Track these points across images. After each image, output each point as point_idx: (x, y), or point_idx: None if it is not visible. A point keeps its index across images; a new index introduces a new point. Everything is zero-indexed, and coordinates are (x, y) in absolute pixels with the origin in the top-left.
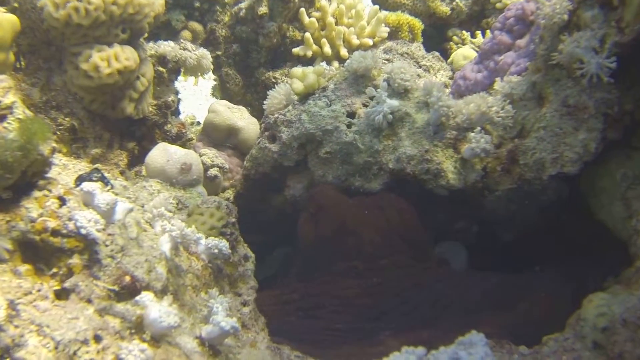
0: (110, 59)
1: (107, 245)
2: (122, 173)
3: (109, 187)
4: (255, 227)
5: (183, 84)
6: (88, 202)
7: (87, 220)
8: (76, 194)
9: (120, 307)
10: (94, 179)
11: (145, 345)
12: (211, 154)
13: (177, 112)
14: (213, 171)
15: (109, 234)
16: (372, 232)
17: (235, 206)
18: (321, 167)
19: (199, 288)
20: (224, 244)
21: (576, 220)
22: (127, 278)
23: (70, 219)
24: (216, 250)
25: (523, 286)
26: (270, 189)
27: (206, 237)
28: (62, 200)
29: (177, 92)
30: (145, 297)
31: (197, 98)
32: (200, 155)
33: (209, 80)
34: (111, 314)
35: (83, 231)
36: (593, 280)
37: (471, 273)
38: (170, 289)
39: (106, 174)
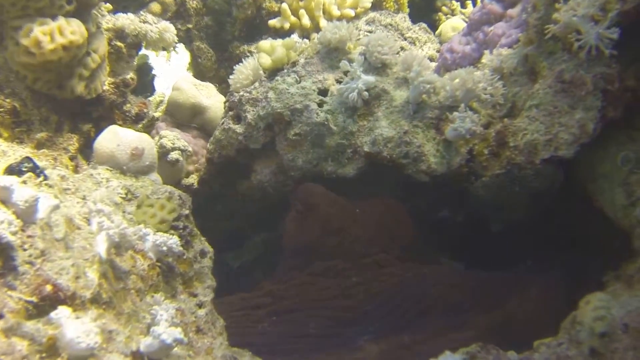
0: (53, 33)
1: (25, 250)
2: (72, 159)
3: (41, 179)
4: (227, 213)
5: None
6: (5, 198)
7: None
8: None
9: (29, 326)
10: (24, 169)
11: None
12: (172, 136)
13: (152, 90)
14: (174, 155)
15: (29, 236)
16: (359, 229)
17: (200, 192)
18: (290, 150)
19: (144, 291)
20: (174, 241)
21: (572, 208)
22: (49, 287)
23: None
24: (165, 248)
25: (512, 283)
26: (235, 174)
27: (155, 232)
28: None
29: (150, 69)
30: (61, 313)
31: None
32: (160, 138)
33: None
34: (19, 334)
35: None
36: (591, 275)
37: (457, 270)
38: (104, 296)
39: (42, 163)
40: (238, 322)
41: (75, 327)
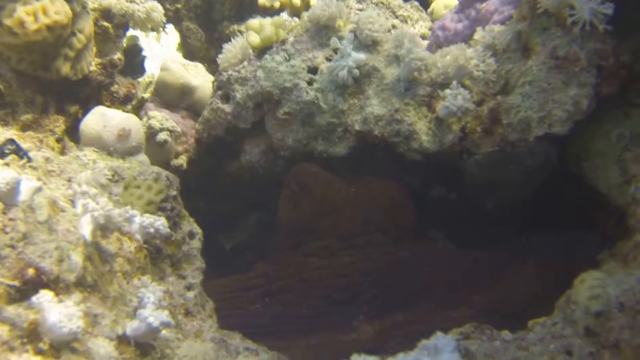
0: (37, 13)
1: (6, 233)
2: (58, 141)
3: (24, 161)
4: (218, 194)
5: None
6: None
7: None
8: None
9: (10, 310)
10: (7, 151)
11: (38, 358)
12: (160, 117)
13: (142, 72)
14: (162, 136)
15: (10, 219)
16: (354, 209)
17: (190, 173)
18: (280, 129)
19: (130, 274)
20: (161, 222)
21: (566, 186)
22: (31, 271)
23: None
24: (152, 230)
25: (507, 261)
26: (225, 154)
27: (142, 214)
28: None
29: (140, 50)
30: (43, 297)
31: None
32: (149, 118)
33: None
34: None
35: None
36: (585, 253)
37: (452, 249)
38: (89, 279)
39: (26, 145)
40: (231, 303)
41: (57, 311)
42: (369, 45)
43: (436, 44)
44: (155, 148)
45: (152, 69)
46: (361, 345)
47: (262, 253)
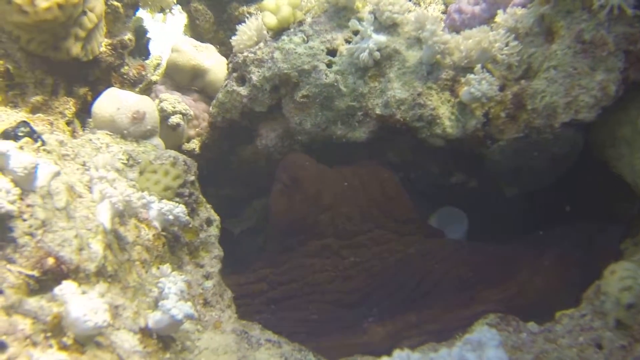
0: None
1: (24, 220)
2: (68, 124)
3: (39, 144)
4: (230, 179)
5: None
6: (1, 165)
7: None
8: None
9: (32, 303)
10: (21, 134)
11: (63, 355)
12: (172, 99)
13: (146, 54)
14: (175, 119)
15: (28, 205)
16: (349, 207)
17: (202, 158)
18: (297, 113)
19: (149, 262)
20: (180, 209)
21: (591, 174)
22: (51, 260)
23: None
24: (171, 217)
25: (522, 255)
26: (240, 138)
27: (159, 200)
28: None
29: (145, 32)
30: (66, 288)
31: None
32: (161, 101)
33: None
34: (21, 312)
35: None
36: (609, 243)
37: (464, 243)
38: (109, 269)
39: (38, 127)
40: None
41: (81, 304)
42: (389, 26)
43: (452, 28)
44: (167, 131)
45: (158, 51)
46: (373, 348)
47: (259, 252)
